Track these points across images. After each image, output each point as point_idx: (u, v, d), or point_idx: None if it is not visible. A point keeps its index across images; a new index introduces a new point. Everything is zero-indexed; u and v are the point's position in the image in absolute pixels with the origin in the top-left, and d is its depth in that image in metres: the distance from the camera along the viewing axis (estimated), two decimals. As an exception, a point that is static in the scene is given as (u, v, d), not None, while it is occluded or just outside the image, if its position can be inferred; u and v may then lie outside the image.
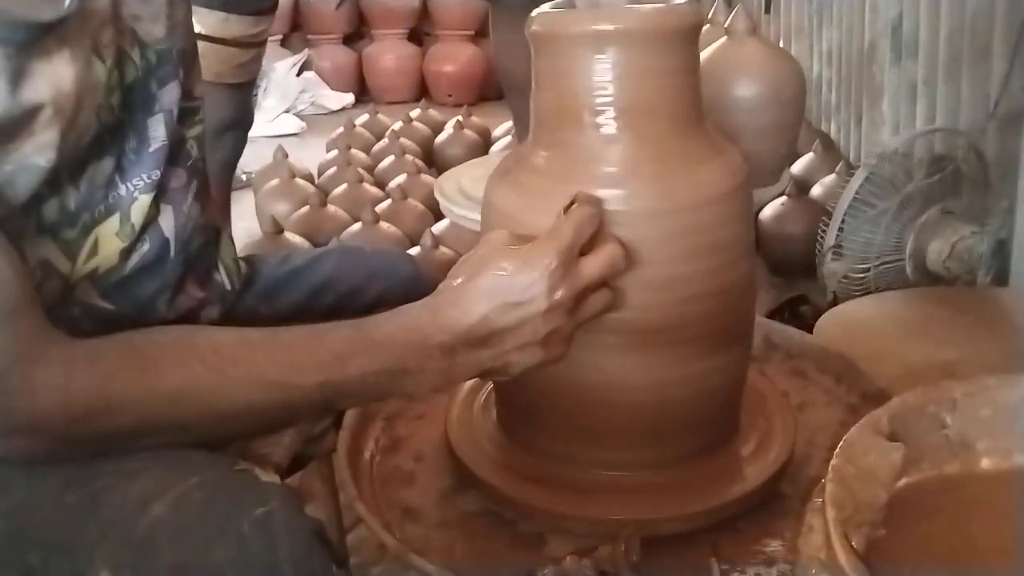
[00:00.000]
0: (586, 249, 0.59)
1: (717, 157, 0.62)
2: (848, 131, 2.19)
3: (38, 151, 0.54)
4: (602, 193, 0.59)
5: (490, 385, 0.75)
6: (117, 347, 0.56)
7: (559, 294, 0.57)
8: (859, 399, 0.77)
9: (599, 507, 0.61)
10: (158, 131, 0.65)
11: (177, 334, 0.59)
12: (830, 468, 0.36)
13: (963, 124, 1.49)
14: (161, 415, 0.56)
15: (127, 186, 0.64)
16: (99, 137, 0.61)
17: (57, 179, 0.59)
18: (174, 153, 0.68)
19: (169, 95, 0.67)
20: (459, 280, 0.60)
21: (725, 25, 1.49)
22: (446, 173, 1.23)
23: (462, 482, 0.67)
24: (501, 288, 0.58)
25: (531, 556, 0.59)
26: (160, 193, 0.67)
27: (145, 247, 0.66)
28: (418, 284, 0.94)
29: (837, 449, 0.37)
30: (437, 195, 1.14)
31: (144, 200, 0.65)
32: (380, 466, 0.70)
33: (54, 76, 0.53)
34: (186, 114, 0.72)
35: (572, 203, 0.59)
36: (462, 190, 1.12)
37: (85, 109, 0.57)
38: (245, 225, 1.92)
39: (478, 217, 1.10)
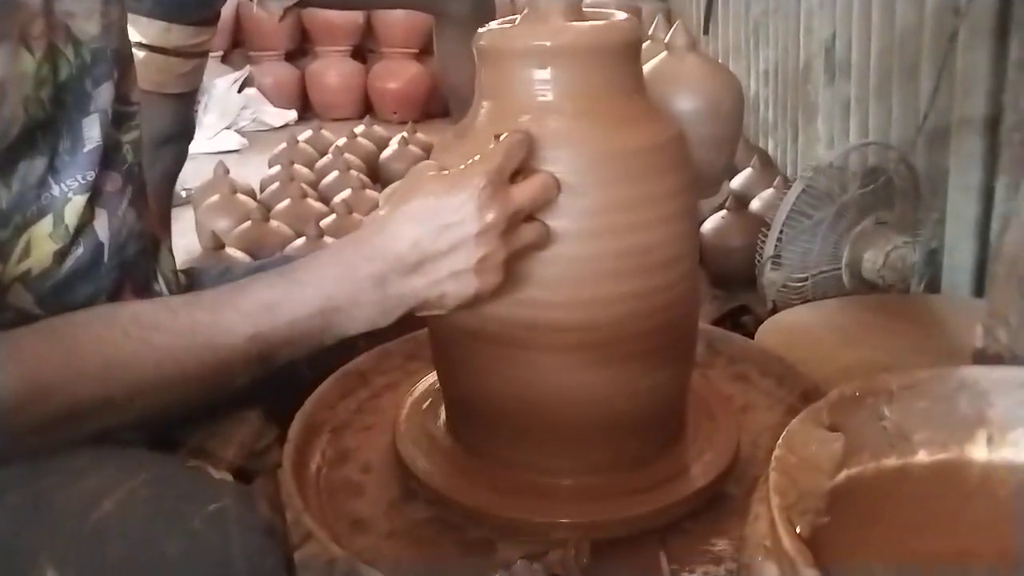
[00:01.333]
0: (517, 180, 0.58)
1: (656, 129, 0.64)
2: (785, 147, 2.26)
3: None
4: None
5: (438, 391, 0.75)
6: (39, 334, 0.55)
7: (490, 215, 0.56)
8: (800, 400, 0.78)
9: (547, 511, 0.61)
10: (92, 131, 0.64)
11: (96, 312, 0.57)
12: (773, 458, 0.36)
13: (894, 140, 1.54)
14: (93, 395, 0.54)
15: (61, 187, 0.63)
16: (30, 133, 0.60)
17: None
18: (109, 156, 0.67)
19: (104, 95, 0.66)
20: (385, 210, 0.59)
21: (665, 41, 1.52)
22: (389, 187, 1.22)
23: (410, 491, 0.67)
24: (430, 211, 0.56)
25: (481, 562, 0.59)
26: (95, 196, 0.66)
27: (79, 251, 0.65)
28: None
29: (779, 440, 0.38)
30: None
31: (78, 201, 0.63)
32: (327, 478, 0.69)
33: None
34: (122, 118, 0.71)
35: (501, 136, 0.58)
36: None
37: (10, 98, 0.56)
38: (185, 242, 1.89)
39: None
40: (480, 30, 0.65)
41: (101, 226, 0.67)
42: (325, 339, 0.59)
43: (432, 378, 0.78)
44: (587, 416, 0.63)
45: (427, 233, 0.56)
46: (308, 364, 0.86)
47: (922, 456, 0.41)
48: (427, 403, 0.75)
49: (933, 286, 1.40)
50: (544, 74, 0.60)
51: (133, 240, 0.72)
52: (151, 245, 0.79)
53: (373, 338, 0.86)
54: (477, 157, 0.58)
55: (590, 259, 0.61)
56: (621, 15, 0.64)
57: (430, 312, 0.60)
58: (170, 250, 0.86)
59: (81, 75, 0.63)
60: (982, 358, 0.64)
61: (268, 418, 0.86)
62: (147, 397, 0.56)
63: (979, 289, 1.38)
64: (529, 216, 0.59)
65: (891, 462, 0.41)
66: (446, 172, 0.58)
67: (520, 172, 0.59)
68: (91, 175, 0.64)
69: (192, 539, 0.50)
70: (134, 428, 0.70)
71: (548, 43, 0.59)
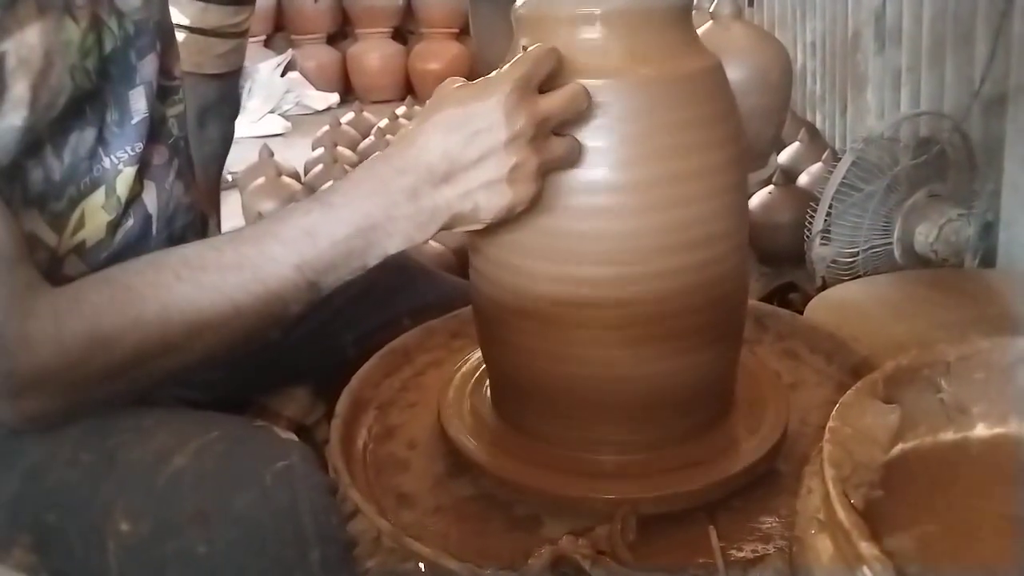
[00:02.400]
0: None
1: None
2: (834, 120, 2.20)
3: (12, 108, 0.54)
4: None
5: (482, 369, 0.75)
6: (96, 285, 0.56)
7: (519, 122, 0.54)
8: (850, 377, 0.77)
9: (594, 488, 0.61)
10: (139, 103, 0.66)
11: (147, 260, 0.58)
12: (827, 429, 0.36)
13: (948, 109, 1.49)
14: (153, 339, 0.55)
15: (111, 158, 0.64)
16: (77, 104, 0.61)
17: (38, 146, 0.59)
18: (155, 129, 0.69)
19: (148, 68, 0.67)
20: (414, 123, 0.58)
21: (710, 10, 1.49)
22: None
23: (456, 467, 0.67)
24: (457, 120, 0.55)
25: (527, 538, 0.58)
26: (143, 168, 0.67)
27: (130, 222, 0.66)
28: (406, 273, 0.94)
29: (833, 412, 0.37)
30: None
31: (128, 173, 0.65)
32: (374, 454, 0.70)
33: (15, 25, 0.53)
34: (166, 92, 0.72)
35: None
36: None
37: (56, 67, 0.57)
38: (233, 224, 1.91)
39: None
40: (520, 2, 0.64)
41: (150, 198, 0.68)
42: (368, 259, 0.58)
43: (476, 356, 0.78)
44: (633, 393, 0.63)
45: (456, 142, 0.55)
46: (354, 343, 0.88)
47: (981, 430, 0.40)
48: (472, 381, 0.75)
49: (988, 260, 1.36)
50: (594, 38, 0.59)
51: (181, 213, 0.73)
52: (199, 220, 0.80)
53: (418, 317, 0.87)
54: (505, 67, 0.57)
55: (635, 234, 0.60)
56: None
57: (466, 227, 0.58)
58: (218, 226, 0.87)
59: (125, 47, 0.64)
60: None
61: (316, 395, 0.87)
62: (206, 337, 0.57)
63: (1037, 264, 1.34)
64: (562, 132, 0.58)
65: (949, 436, 0.39)
66: (471, 83, 0.57)
67: (550, 86, 0.57)
68: (139, 147, 0.65)
69: (262, 494, 0.51)
70: (182, 401, 0.71)
71: (597, 10, 0.58)
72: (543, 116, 0.56)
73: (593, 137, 0.58)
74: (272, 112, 3.34)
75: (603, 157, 0.58)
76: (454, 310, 0.87)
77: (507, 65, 0.57)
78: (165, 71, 0.71)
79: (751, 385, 0.72)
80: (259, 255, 0.56)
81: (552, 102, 0.56)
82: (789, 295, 1.49)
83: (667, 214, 0.59)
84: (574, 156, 0.58)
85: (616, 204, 0.59)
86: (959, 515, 0.39)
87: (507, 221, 0.59)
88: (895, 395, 0.39)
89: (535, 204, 0.58)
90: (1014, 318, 1.06)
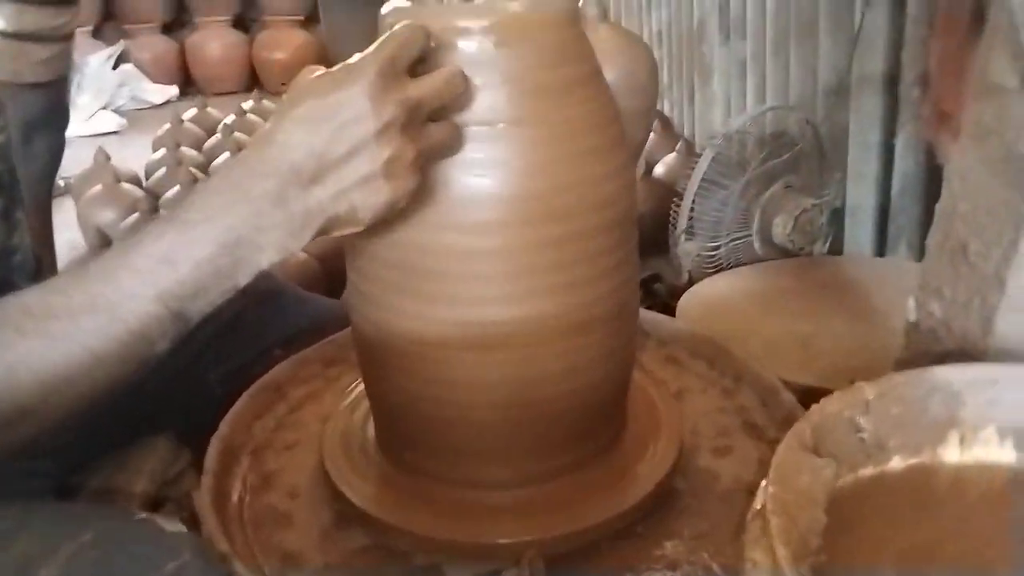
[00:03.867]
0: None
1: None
2: (682, 109, 2.26)
3: None
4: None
5: (365, 404, 0.70)
6: None
7: (388, 110, 0.49)
8: (732, 382, 0.78)
9: (494, 530, 0.58)
10: None
11: None
12: (769, 496, 0.34)
13: (793, 99, 1.56)
14: (4, 402, 0.48)
15: None
16: None
17: None
18: None
19: None
20: (271, 121, 0.52)
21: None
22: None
23: (344, 517, 0.62)
24: (320, 112, 0.50)
25: (428, 589, 0.55)
26: None
27: None
28: (277, 299, 0.87)
29: (770, 473, 0.36)
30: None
31: None
32: (251, 508, 0.64)
33: None
34: None
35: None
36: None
37: None
38: (68, 237, 1.76)
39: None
40: (383, 10, 0.59)
41: None
42: (239, 278, 0.52)
43: (356, 386, 0.74)
44: (521, 423, 0.60)
45: (322, 137, 0.50)
46: (220, 381, 0.80)
47: (896, 462, 0.40)
48: (354, 415, 0.71)
49: (835, 246, 1.43)
50: (471, 51, 0.55)
51: (9, 256, 0.64)
52: (30, 262, 0.71)
53: (290, 346, 0.81)
54: (368, 50, 0.52)
55: (524, 249, 0.57)
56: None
57: (344, 230, 0.53)
58: (54, 265, 0.78)
59: None
60: (915, 331, 0.64)
61: (180, 442, 0.79)
62: (65, 393, 0.50)
63: (880, 248, 1.42)
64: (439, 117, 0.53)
65: (868, 472, 0.39)
66: (333, 70, 0.52)
67: (424, 70, 0.53)
68: None
69: None
70: (32, 474, 0.63)
71: (475, 23, 0.54)
72: (415, 101, 0.51)
73: (474, 157, 0.55)
74: (105, 108, 3.10)
75: (484, 170, 0.55)
76: (328, 335, 0.81)
77: (370, 48, 0.52)
78: None
79: (640, 398, 0.71)
80: (113, 292, 0.49)
81: (424, 86, 0.52)
82: (654, 286, 1.51)
83: (558, 225, 0.57)
84: (454, 142, 0.54)
85: (494, 218, 0.56)
86: (872, 547, 0.39)
87: (380, 241, 0.54)
88: (821, 442, 0.38)
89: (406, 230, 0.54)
90: (869, 305, 1.11)
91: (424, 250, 0.57)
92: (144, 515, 0.51)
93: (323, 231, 0.53)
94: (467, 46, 0.54)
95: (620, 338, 0.64)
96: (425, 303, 0.57)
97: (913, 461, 0.40)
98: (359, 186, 0.51)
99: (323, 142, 0.50)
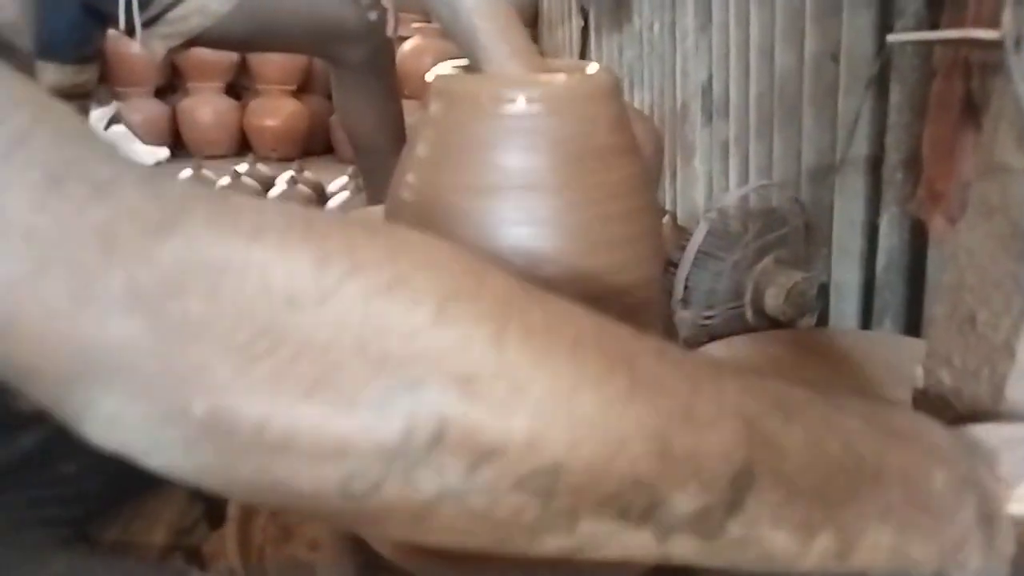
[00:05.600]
0: None
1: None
2: (663, 186, 2.33)
3: None
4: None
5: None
6: None
7: None
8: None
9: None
10: None
11: None
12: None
13: (776, 179, 1.62)
14: None
15: None
16: None
17: None
18: None
19: None
20: None
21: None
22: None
23: (369, 566, 0.63)
24: None
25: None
26: None
27: None
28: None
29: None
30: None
31: None
32: (271, 560, 0.64)
33: None
34: None
35: None
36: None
37: None
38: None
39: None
40: (430, 76, 0.63)
41: None
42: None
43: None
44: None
45: None
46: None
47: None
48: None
49: (821, 320, 1.47)
50: (519, 114, 0.58)
51: None
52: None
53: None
54: None
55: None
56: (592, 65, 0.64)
57: None
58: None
59: None
60: (924, 399, 0.67)
61: (192, 493, 0.80)
62: None
63: (866, 322, 1.46)
64: None
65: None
66: None
67: None
68: None
69: None
70: (47, 523, 0.63)
71: (522, 93, 0.58)
72: None
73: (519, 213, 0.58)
74: (94, 168, 3.12)
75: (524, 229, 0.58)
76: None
77: None
78: None
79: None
80: None
81: None
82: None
83: (576, 287, 0.60)
84: None
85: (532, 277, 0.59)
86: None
87: None
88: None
89: None
90: (862, 375, 1.15)
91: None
92: (181, 565, 0.51)
93: None
94: (514, 113, 0.58)
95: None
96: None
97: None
98: None
99: None
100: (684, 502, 0.34)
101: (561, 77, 0.60)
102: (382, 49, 1.52)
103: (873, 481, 0.37)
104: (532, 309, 0.34)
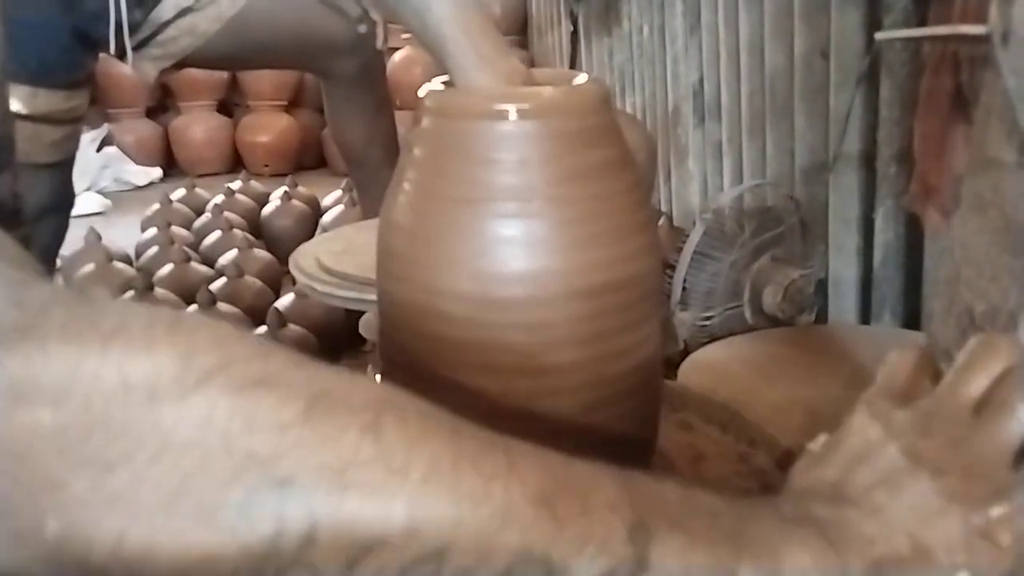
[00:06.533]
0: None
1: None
2: (659, 188, 2.33)
3: None
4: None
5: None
6: None
7: None
8: (748, 447, 0.80)
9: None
10: None
11: None
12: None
13: (770, 178, 1.63)
14: None
15: None
16: None
17: None
18: None
19: (3, 189, 0.60)
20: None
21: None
22: (300, 249, 1.18)
23: None
24: None
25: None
26: None
27: None
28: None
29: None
30: (294, 272, 1.09)
31: None
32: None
33: None
34: (12, 214, 0.64)
35: None
36: (323, 266, 1.08)
37: None
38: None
39: (344, 293, 1.06)
40: (422, 92, 0.63)
41: None
42: None
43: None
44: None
45: None
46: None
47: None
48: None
49: (819, 317, 1.47)
50: (510, 130, 0.58)
51: None
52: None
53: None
54: None
55: (552, 325, 0.59)
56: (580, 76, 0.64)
57: None
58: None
59: None
60: (926, 393, 0.67)
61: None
62: None
63: (865, 316, 1.47)
64: None
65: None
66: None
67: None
68: None
69: None
70: None
71: (514, 106, 0.58)
72: None
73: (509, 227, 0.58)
74: (88, 190, 3.12)
75: (517, 248, 0.58)
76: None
77: None
78: (10, 191, 0.63)
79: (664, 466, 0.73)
80: None
81: None
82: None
83: (572, 305, 0.60)
84: None
85: (523, 295, 0.59)
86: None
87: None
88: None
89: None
90: (863, 371, 1.15)
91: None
92: None
93: None
94: (505, 127, 0.58)
95: (645, 411, 0.66)
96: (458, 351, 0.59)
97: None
98: None
99: None
100: (586, 569, 0.32)
101: (550, 90, 0.60)
102: (372, 61, 1.53)
103: (750, 513, 0.36)
104: (407, 405, 0.33)
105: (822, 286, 1.49)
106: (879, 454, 0.39)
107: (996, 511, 0.37)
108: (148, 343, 0.29)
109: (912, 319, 1.38)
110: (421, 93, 0.63)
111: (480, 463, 0.32)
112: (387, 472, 0.30)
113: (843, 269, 1.49)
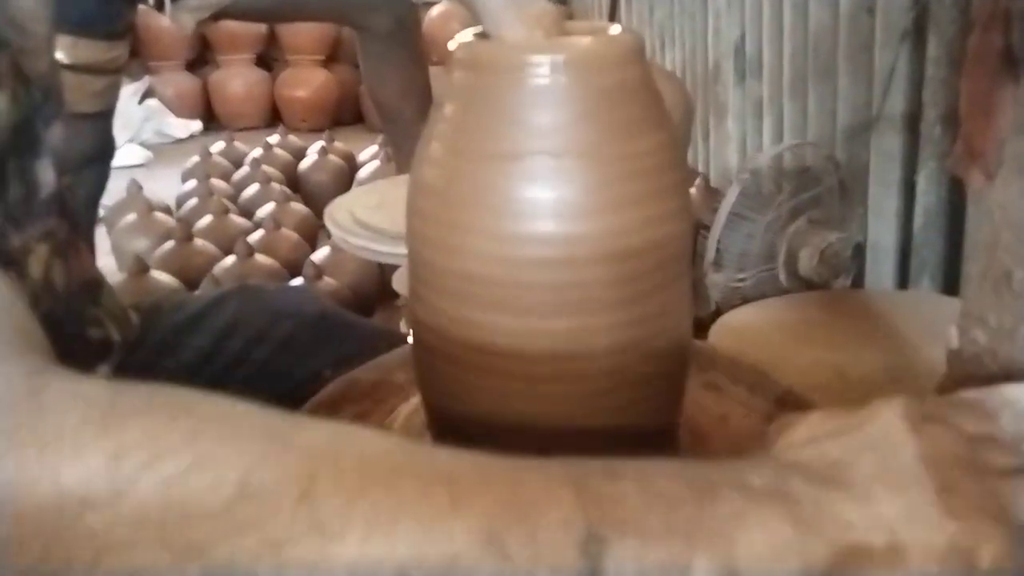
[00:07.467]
0: None
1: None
2: (696, 146, 2.30)
3: None
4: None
5: (414, 423, 0.72)
6: None
7: None
8: (774, 407, 0.79)
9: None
10: (47, 176, 0.60)
11: None
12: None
13: (811, 138, 1.59)
14: None
15: (20, 238, 0.58)
16: None
17: None
18: (61, 202, 0.63)
19: (54, 136, 0.62)
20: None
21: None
22: (335, 202, 1.19)
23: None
24: None
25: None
26: (53, 246, 0.61)
27: (42, 306, 0.60)
28: (325, 322, 0.90)
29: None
30: (329, 225, 1.10)
31: (41, 252, 0.59)
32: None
33: None
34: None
35: None
36: (357, 219, 1.09)
37: None
38: (101, 264, 1.79)
39: (377, 247, 1.07)
40: (452, 44, 0.62)
41: (59, 277, 0.62)
42: None
43: (401, 408, 0.76)
44: (583, 450, 0.62)
45: None
46: (270, 402, 0.83)
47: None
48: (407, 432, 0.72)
49: (857, 281, 1.45)
50: (545, 84, 0.57)
51: (84, 286, 0.67)
52: (96, 285, 0.74)
53: (339, 369, 0.83)
54: None
55: (581, 286, 0.59)
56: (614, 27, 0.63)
57: None
58: (111, 287, 0.81)
59: (33, 116, 0.59)
60: (958, 359, 0.66)
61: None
62: None
63: (903, 282, 1.44)
64: None
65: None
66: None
67: None
68: (50, 223, 0.60)
69: None
70: None
71: (548, 57, 0.57)
72: None
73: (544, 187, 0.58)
74: (131, 142, 3.16)
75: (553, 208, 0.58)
76: (375, 357, 0.84)
77: None
78: (62, 140, 0.65)
79: (692, 428, 0.73)
80: None
81: None
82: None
83: (605, 267, 0.59)
84: None
85: (552, 256, 0.58)
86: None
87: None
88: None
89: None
90: (896, 336, 1.14)
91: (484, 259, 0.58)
92: None
93: None
94: (539, 80, 0.57)
95: (674, 373, 0.66)
96: (488, 311, 0.59)
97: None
98: None
99: None
100: None
101: (585, 40, 0.59)
102: (407, 16, 1.52)
103: (711, 494, 0.35)
104: (343, 453, 0.33)
105: (859, 250, 1.46)
106: (895, 451, 0.38)
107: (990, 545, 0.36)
108: (77, 449, 0.30)
109: (952, 285, 1.35)
110: (451, 45, 0.62)
111: (421, 509, 0.31)
112: (323, 541, 0.30)
113: (882, 233, 1.46)
